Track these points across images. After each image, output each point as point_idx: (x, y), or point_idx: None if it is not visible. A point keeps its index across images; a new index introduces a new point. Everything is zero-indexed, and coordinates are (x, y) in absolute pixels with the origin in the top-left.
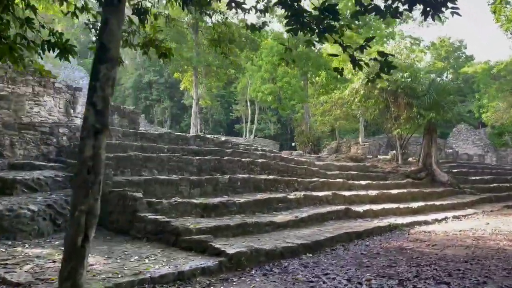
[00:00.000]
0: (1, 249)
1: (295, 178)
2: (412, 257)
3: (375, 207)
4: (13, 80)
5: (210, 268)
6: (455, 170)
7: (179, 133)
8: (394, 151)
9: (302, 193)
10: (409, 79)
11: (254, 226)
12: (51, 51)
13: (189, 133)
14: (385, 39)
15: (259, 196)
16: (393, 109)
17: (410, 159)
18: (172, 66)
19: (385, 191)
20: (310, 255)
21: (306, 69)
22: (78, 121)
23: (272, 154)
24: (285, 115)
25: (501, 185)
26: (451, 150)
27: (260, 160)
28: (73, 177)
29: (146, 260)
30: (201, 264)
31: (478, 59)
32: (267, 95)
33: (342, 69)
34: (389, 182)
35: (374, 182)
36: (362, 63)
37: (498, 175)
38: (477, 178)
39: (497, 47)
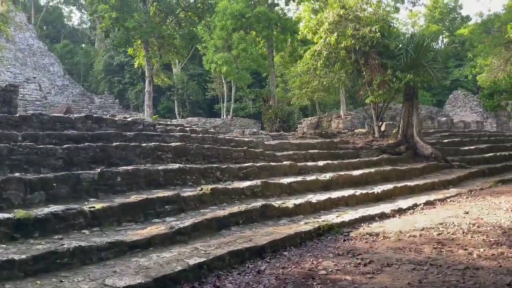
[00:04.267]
0: None
1: (217, 165)
2: None
3: (320, 197)
4: None
5: None
6: (446, 140)
7: (57, 115)
8: (372, 123)
9: (210, 186)
10: (378, 34)
11: (74, 254)
12: None
13: (145, 116)
14: None
15: (136, 197)
16: (364, 72)
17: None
18: (116, 40)
19: (345, 172)
20: None
21: (266, 33)
22: None
23: (200, 135)
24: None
25: (498, 154)
26: (445, 118)
27: (173, 144)
28: None
29: None
30: None
31: (475, 20)
32: (221, 65)
33: None
34: (357, 160)
35: (335, 162)
36: None
37: (495, 143)
38: (471, 148)
39: (494, 6)
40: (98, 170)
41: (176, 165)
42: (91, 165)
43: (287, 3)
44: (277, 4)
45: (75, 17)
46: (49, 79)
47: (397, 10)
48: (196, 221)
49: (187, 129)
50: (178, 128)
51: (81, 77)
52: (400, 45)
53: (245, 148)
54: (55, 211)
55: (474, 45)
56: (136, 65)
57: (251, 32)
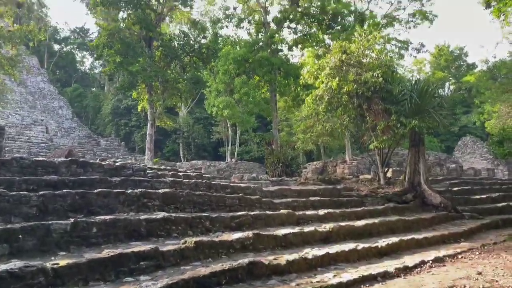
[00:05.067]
0: None
1: (207, 214)
2: None
3: (317, 251)
4: None
5: None
6: (456, 188)
7: (41, 159)
8: (377, 170)
9: (194, 239)
10: (381, 79)
11: None
12: None
13: (146, 158)
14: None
15: (108, 252)
16: (368, 118)
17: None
18: (120, 83)
19: (347, 223)
20: None
21: (268, 77)
22: None
23: (193, 181)
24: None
25: (511, 203)
26: (454, 165)
27: (161, 191)
28: None
29: None
30: None
31: (481, 67)
32: (222, 109)
33: None
34: (361, 209)
35: (337, 211)
36: None
37: (508, 192)
38: (483, 196)
39: (499, 53)
40: (72, 220)
41: (161, 214)
42: (69, 214)
43: (290, 49)
44: (281, 50)
45: (87, 62)
46: (56, 121)
47: (401, 56)
48: (171, 282)
49: (180, 174)
50: (170, 173)
51: (89, 120)
52: (404, 91)
53: (240, 195)
54: (11, 268)
55: (481, 91)
56: (139, 109)
57: (254, 76)
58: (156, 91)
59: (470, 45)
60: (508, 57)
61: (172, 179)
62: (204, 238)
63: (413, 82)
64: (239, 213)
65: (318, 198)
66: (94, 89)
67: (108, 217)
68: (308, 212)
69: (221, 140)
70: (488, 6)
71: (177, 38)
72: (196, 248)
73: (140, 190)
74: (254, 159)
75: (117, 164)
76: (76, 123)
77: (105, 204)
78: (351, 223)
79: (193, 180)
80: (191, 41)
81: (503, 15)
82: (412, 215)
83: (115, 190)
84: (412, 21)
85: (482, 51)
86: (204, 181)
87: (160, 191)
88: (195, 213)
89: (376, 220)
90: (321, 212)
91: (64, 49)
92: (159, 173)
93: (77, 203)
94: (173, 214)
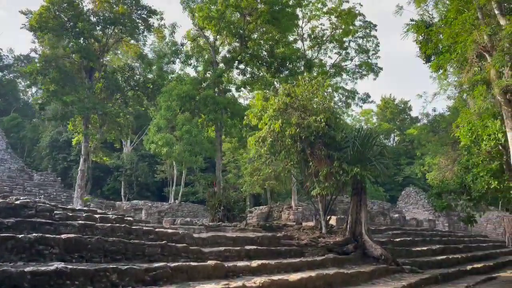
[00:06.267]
0: None
1: (114, 266)
2: None
3: None
4: None
5: None
6: (398, 239)
7: None
8: (319, 217)
9: None
10: (323, 124)
11: None
12: None
13: (75, 197)
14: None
15: None
16: (311, 163)
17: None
18: (52, 114)
19: (280, 277)
20: None
21: (213, 116)
22: None
23: (108, 225)
24: (198, 173)
25: (450, 257)
26: (397, 215)
27: (64, 237)
28: None
29: None
30: None
31: (422, 120)
32: (161, 146)
33: None
34: (299, 260)
35: (273, 262)
36: None
37: (448, 244)
38: (424, 248)
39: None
40: None
41: (54, 266)
42: None
43: (238, 89)
44: (229, 90)
45: (31, 91)
46: None
47: (348, 105)
48: None
49: (97, 216)
50: (85, 215)
51: (25, 152)
52: (347, 137)
53: (163, 242)
54: None
55: (422, 143)
56: (74, 142)
57: (200, 115)
58: (94, 124)
59: (413, 99)
60: (447, 112)
61: (83, 222)
62: None
63: (357, 129)
64: (156, 264)
65: (255, 247)
66: (35, 119)
67: None
68: (240, 264)
69: (165, 179)
70: (428, 60)
71: (121, 71)
72: None
73: (36, 235)
74: (200, 201)
75: (17, 202)
76: (10, 155)
77: None
78: (285, 277)
79: (109, 224)
80: (136, 75)
81: (441, 69)
82: (352, 268)
83: (2, 235)
84: (358, 71)
85: (420, 102)
86: (123, 225)
87: (63, 236)
88: (105, 263)
89: (313, 274)
90: (254, 263)
91: (6, 77)
92: (70, 214)
93: None
94: (69, 266)
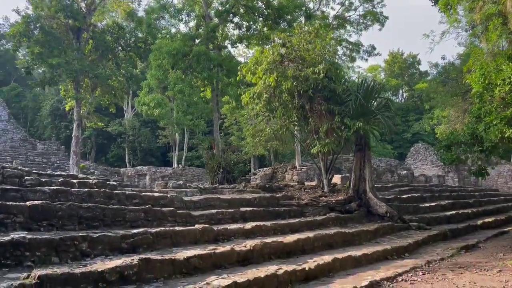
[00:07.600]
0: None
1: (85, 234)
2: None
3: (222, 281)
4: None
5: None
6: (406, 196)
7: None
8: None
9: (39, 273)
10: (322, 75)
11: None
12: None
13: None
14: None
15: None
16: (311, 119)
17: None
18: (40, 78)
19: (274, 239)
20: None
21: (207, 74)
22: None
23: (86, 190)
24: (200, 136)
25: (460, 212)
26: (405, 172)
27: (29, 203)
28: None
29: None
30: None
31: (431, 73)
32: (153, 108)
33: None
34: (298, 221)
35: (268, 224)
36: None
37: (457, 199)
38: (432, 204)
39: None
40: None
41: (10, 236)
42: None
43: (234, 45)
44: (225, 47)
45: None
46: None
47: (353, 59)
48: None
49: (75, 181)
50: (60, 180)
51: (28, 122)
52: (349, 90)
53: (147, 207)
54: None
55: (430, 96)
56: (67, 108)
57: (194, 73)
58: (86, 88)
59: (422, 53)
60: (457, 60)
61: (55, 188)
62: (57, 270)
63: (359, 81)
64: (135, 230)
65: (251, 208)
66: (38, 89)
67: None
68: (232, 227)
69: (169, 144)
70: (436, 1)
71: (110, 30)
72: (40, 286)
73: None
74: (204, 165)
75: None
76: (12, 125)
77: None
78: (280, 238)
79: (86, 189)
80: (126, 35)
81: (450, 8)
82: (355, 227)
83: None
84: (363, 22)
85: (427, 42)
86: (103, 190)
87: (27, 203)
88: (79, 231)
89: (310, 235)
90: (248, 225)
91: (4, 47)
92: (43, 180)
93: None
94: (29, 236)
